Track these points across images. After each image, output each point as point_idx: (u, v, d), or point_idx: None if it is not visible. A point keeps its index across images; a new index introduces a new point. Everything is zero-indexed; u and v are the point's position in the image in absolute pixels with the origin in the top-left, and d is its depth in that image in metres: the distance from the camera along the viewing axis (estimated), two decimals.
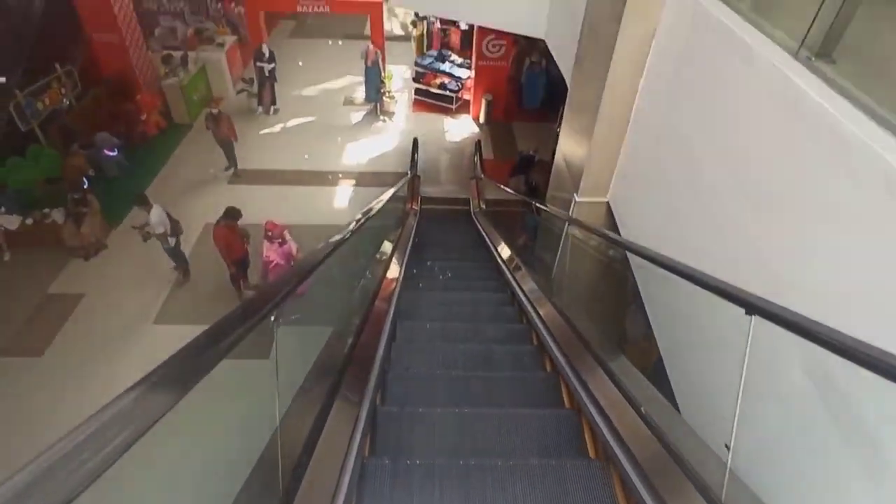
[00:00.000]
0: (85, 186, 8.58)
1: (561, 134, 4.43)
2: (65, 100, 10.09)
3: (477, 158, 10.05)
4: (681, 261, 1.82)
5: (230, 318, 1.19)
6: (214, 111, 9.24)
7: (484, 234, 7.30)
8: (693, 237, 2.63)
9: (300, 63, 14.29)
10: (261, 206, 9.43)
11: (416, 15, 14.89)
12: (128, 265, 8.18)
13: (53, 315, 7.36)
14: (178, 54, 11.58)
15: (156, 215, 7.07)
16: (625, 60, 3.10)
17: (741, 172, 2.18)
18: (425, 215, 8.98)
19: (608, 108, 3.34)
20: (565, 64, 5.44)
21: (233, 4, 14.42)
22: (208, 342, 1.05)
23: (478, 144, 10.34)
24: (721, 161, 2.35)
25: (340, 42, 15.86)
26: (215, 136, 9.46)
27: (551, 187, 4.87)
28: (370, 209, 4.95)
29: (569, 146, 4.32)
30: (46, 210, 8.24)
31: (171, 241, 7.40)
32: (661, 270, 1.85)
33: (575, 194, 3.83)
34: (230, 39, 13.11)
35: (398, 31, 16.69)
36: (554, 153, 10.34)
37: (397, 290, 4.45)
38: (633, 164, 3.46)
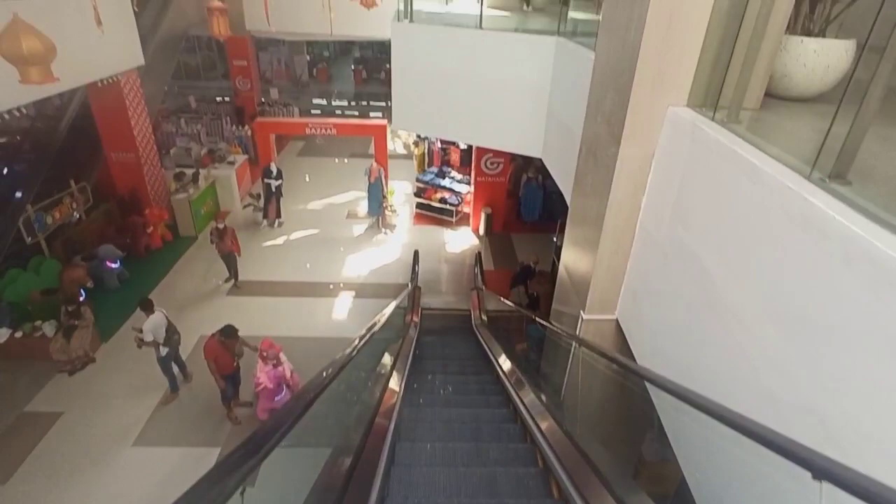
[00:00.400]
0: (81, 298, 8.48)
1: (563, 247, 4.41)
2: (75, 213, 10.36)
3: (477, 269, 10.06)
4: (696, 388, 1.63)
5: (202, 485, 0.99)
6: (220, 225, 9.42)
7: (485, 346, 7.04)
8: (711, 361, 2.44)
9: (307, 179, 14.93)
10: (260, 317, 9.28)
11: (418, 136, 15.90)
12: (115, 380, 7.81)
13: (26, 437, 6.84)
14: (189, 171, 12.12)
15: (151, 323, 6.90)
16: (626, 179, 3.14)
17: (761, 292, 2.06)
18: (426, 327, 8.77)
19: (612, 224, 3.32)
20: (564, 180, 5.60)
21: (245, 128, 15.44)
22: None
23: (478, 256, 10.43)
24: (737, 280, 2.24)
25: (346, 160, 16.76)
26: (219, 249, 9.56)
27: (556, 301, 4.75)
28: (373, 326, 4.84)
29: (572, 260, 4.27)
30: (38, 322, 8.05)
31: (163, 351, 7.14)
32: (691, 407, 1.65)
33: (581, 311, 3.69)
34: (241, 158, 13.82)
35: (401, 151, 17.71)
36: (554, 264, 10.49)
37: (397, 406, 4.25)
38: (641, 280, 3.36)
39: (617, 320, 3.62)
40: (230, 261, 9.80)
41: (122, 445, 6.81)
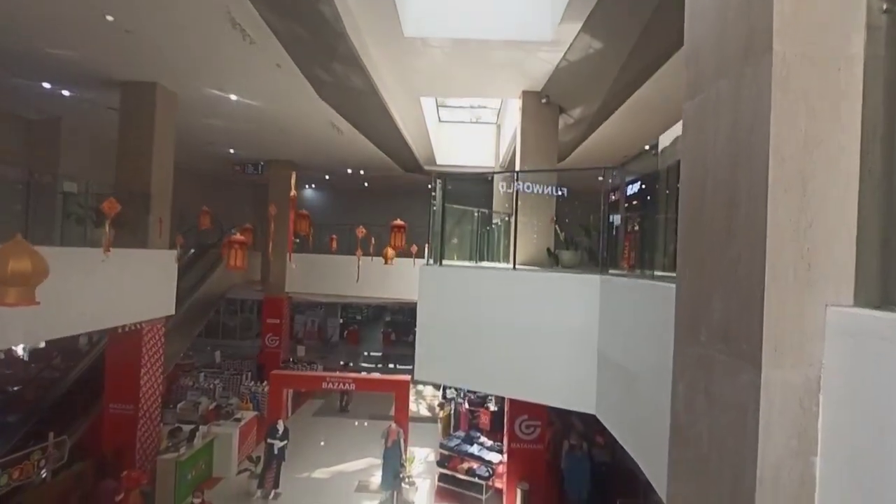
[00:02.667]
0: None
1: None
2: (43, 472, 8.84)
3: None
4: None
5: None
6: (196, 501, 7.72)
7: None
8: None
9: (322, 443, 13.28)
10: None
11: (444, 397, 14.71)
12: None
13: None
14: (187, 428, 10.86)
15: None
16: (780, 423, 1.93)
17: None
18: None
19: None
20: (635, 440, 4.23)
21: (263, 384, 14.67)
22: None
23: None
24: None
25: (366, 423, 15.27)
26: None
27: None
28: None
29: None
30: None
31: None
32: None
33: None
34: (249, 415, 12.63)
35: (425, 413, 16.27)
36: None
37: None
38: None
39: None
40: None
41: None
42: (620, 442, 4.65)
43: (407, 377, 12.22)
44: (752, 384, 2.01)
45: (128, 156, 10.63)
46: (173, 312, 11.13)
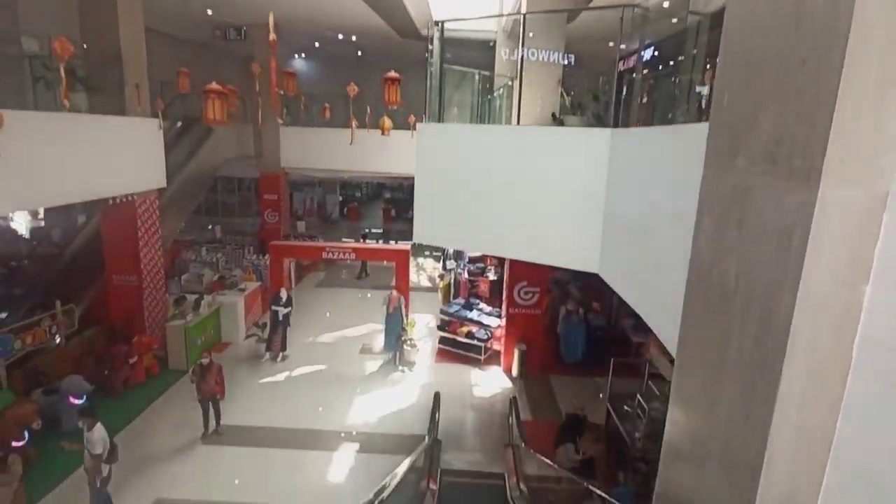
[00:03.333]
0: (21, 443, 6.84)
1: (675, 401, 2.79)
2: (57, 337, 9.13)
3: (513, 419, 8.11)
4: None
5: None
6: (205, 361, 7.99)
7: None
8: None
9: (328, 315, 13.70)
10: (238, 475, 7.37)
11: (444, 267, 14.91)
12: None
13: None
14: (192, 297, 11.07)
15: (99, 432, 6.07)
16: (830, 250, 1.67)
17: None
18: (447, 498, 6.68)
19: (802, 345, 1.77)
20: (641, 295, 4.12)
21: (265, 257, 14.77)
22: None
23: (513, 402, 8.51)
24: None
25: (369, 294, 15.66)
26: (198, 391, 7.95)
27: (662, 487, 2.96)
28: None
29: (697, 423, 2.58)
30: None
31: (105, 469, 6.12)
32: None
33: None
34: (253, 285, 12.86)
35: (425, 283, 16.65)
36: (609, 416, 8.44)
37: None
38: (875, 446, 1.72)
39: None
40: (207, 407, 8.12)
41: None
42: (624, 298, 4.56)
43: (407, 246, 12.22)
44: (802, 206, 1.70)
45: (91, 11, 9.53)
46: (164, 185, 10.80)
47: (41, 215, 18.30)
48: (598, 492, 6.04)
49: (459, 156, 6.13)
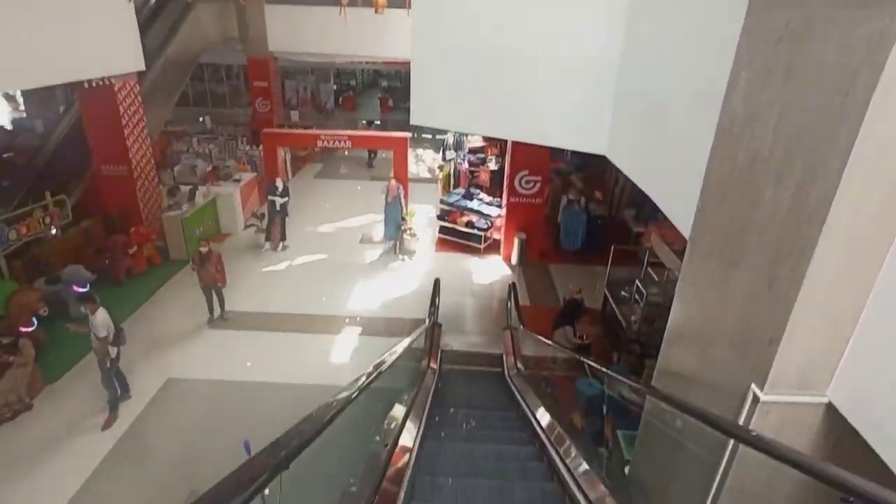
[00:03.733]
0: (30, 329, 7.00)
1: (684, 276, 2.66)
2: (53, 228, 9.04)
3: (511, 304, 8.25)
4: None
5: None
6: (204, 249, 7.94)
7: (527, 409, 5.21)
8: None
9: (327, 206, 13.49)
10: (245, 357, 7.65)
11: (444, 158, 14.45)
12: (52, 430, 6.18)
13: None
14: (186, 187, 10.81)
15: (102, 316, 6.08)
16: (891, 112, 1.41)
17: None
18: (447, 376, 6.97)
19: (841, 228, 1.58)
20: (653, 178, 3.87)
21: (259, 148, 14.25)
22: None
23: (511, 287, 8.62)
24: None
25: (362, 187, 15.35)
26: (200, 279, 8.01)
27: (667, 359, 2.93)
28: (381, 364, 3.75)
29: (715, 299, 2.45)
30: None
31: (113, 351, 6.19)
32: None
33: (755, 388, 1.89)
34: (249, 176, 12.54)
35: (425, 174, 16.29)
36: (606, 302, 8.59)
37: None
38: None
39: (830, 403, 1.83)
40: (210, 295, 8.24)
41: None
42: (634, 180, 4.31)
43: (406, 134, 11.71)
44: (872, 38, 1.41)
45: None
46: (143, 68, 10.07)
47: (21, 107, 17.48)
48: (594, 364, 6.25)
49: (458, 25, 5.53)
